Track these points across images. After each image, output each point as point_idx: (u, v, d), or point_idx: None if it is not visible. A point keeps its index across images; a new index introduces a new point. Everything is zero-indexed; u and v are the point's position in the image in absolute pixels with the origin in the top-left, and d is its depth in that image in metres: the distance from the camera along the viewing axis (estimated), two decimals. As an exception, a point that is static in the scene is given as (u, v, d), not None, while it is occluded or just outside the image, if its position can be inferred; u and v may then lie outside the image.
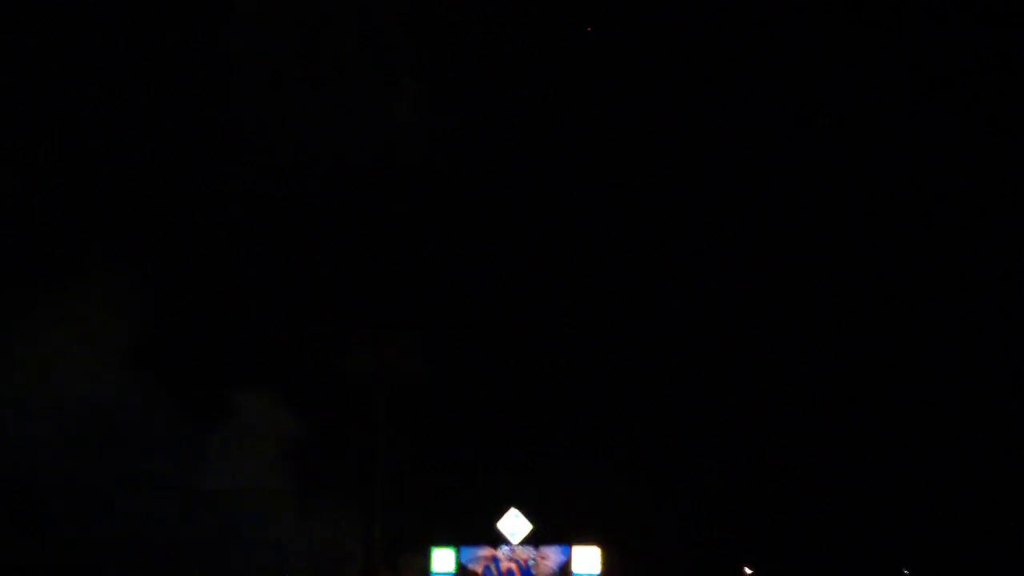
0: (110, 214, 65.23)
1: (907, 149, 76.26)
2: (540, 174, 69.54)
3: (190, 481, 64.03)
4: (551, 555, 51.97)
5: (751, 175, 74.73)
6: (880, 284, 77.63)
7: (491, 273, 69.93)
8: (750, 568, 78.78)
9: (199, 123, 67.26)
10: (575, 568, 51.72)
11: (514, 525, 52.63)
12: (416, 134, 66.84)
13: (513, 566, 52.00)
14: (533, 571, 51.81)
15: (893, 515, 75.69)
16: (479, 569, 52.14)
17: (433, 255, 69.46)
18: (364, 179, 65.84)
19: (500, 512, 52.82)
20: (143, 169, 64.15)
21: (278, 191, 65.09)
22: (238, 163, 64.40)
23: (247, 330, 70.12)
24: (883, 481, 76.07)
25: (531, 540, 52.50)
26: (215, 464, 65.14)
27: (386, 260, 68.77)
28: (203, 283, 70.50)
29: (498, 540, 52.52)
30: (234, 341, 69.31)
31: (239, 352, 67.91)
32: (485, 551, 52.44)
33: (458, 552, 52.51)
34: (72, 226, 63.72)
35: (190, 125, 66.98)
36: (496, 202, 67.37)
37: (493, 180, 68.35)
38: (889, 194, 78.08)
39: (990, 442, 74.54)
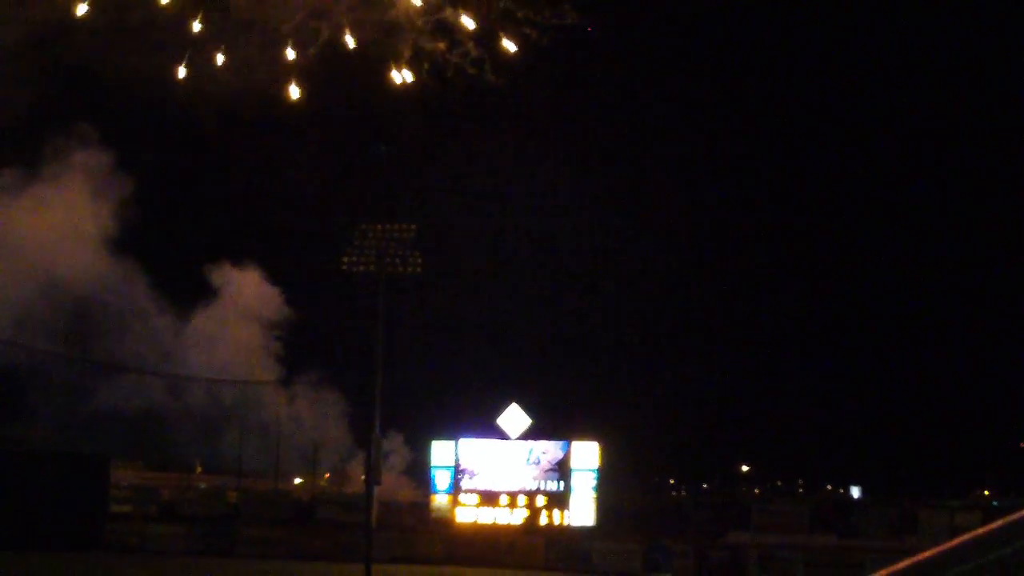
0: (98, 98, 63.63)
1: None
2: (532, 72, 68.21)
3: (177, 368, 63.79)
4: (550, 450, 52.06)
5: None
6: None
7: (497, 174, 69.26)
8: (747, 466, 79.73)
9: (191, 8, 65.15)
10: (574, 463, 51.81)
11: (514, 420, 52.60)
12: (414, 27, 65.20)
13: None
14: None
15: (883, 416, 76.27)
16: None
17: (440, 153, 68.56)
18: (364, 69, 64.52)
19: (501, 407, 52.74)
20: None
21: (276, 82, 63.87)
22: (234, 47, 62.56)
23: (237, 219, 69.46)
24: (873, 382, 76.43)
25: (531, 435, 52.50)
26: (201, 351, 64.95)
27: (387, 153, 67.79)
28: (194, 173, 69.44)
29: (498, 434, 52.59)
30: (223, 229, 68.67)
31: (227, 237, 67.33)
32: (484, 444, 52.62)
33: (457, 445, 52.59)
34: (53, 111, 62.17)
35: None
36: (500, 100, 66.20)
37: (492, 80, 67.09)
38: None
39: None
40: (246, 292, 65.36)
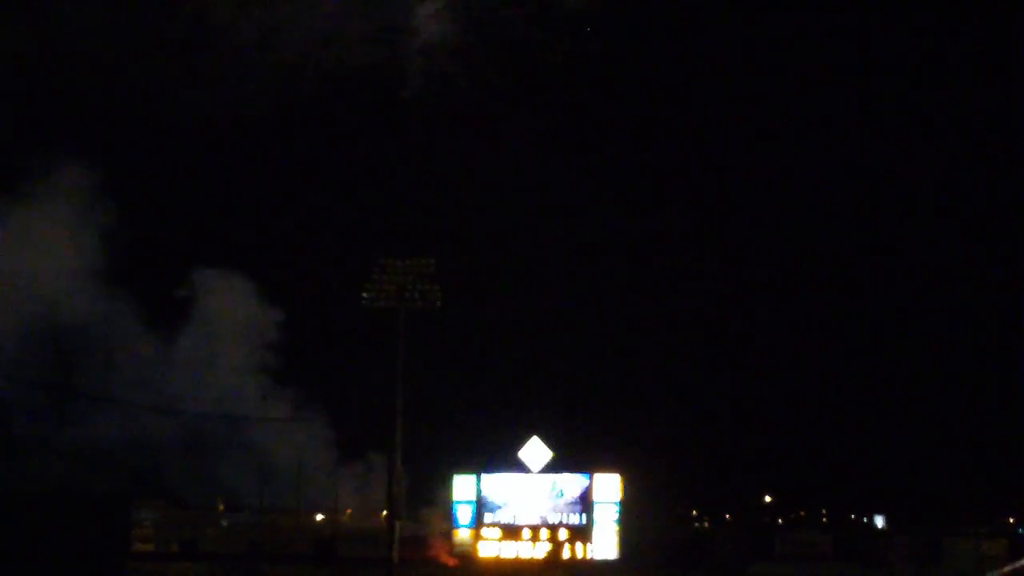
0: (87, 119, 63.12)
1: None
2: (551, 106, 68.24)
3: (165, 390, 63.25)
4: (572, 482, 51.85)
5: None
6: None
7: (516, 205, 69.11)
8: (770, 496, 79.30)
9: (192, 32, 64.38)
10: (596, 495, 51.58)
11: (536, 453, 52.42)
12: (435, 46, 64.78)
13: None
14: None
15: (906, 444, 75.73)
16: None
17: (457, 181, 68.40)
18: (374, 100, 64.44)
19: (522, 440, 52.56)
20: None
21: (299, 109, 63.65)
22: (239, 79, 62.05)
23: (230, 231, 69.11)
24: (897, 411, 75.94)
25: (552, 468, 52.31)
26: (188, 373, 64.51)
27: (406, 185, 67.84)
28: (184, 189, 69.07)
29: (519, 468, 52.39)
30: (217, 244, 68.27)
31: (220, 252, 66.96)
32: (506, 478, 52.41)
33: (479, 479, 52.39)
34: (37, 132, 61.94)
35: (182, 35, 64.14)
36: (518, 127, 66.17)
37: (512, 105, 67.03)
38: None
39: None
40: (232, 303, 64.95)
